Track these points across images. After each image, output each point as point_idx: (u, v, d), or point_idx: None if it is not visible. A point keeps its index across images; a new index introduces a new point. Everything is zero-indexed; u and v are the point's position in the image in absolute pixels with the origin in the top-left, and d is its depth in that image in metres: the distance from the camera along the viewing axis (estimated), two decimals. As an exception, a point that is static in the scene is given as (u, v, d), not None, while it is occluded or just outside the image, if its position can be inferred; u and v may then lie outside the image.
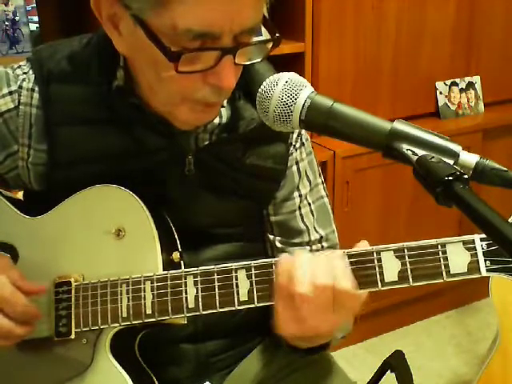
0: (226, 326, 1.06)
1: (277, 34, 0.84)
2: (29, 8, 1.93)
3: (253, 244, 1.08)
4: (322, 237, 1.08)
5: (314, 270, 0.80)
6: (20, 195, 1.07)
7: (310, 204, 1.08)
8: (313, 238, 1.08)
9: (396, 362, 1.23)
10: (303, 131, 1.06)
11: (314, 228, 1.08)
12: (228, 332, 1.08)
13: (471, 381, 2.12)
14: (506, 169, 0.66)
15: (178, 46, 0.78)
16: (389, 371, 1.24)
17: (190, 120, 0.90)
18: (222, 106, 0.98)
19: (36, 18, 1.95)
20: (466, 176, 0.61)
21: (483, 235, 0.85)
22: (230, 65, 0.81)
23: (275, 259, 0.88)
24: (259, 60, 0.87)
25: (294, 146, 1.04)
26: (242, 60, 0.84)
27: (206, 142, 0.99)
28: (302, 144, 1.06)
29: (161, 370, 1.01)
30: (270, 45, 0.86)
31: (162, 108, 0.90)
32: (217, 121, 0.98)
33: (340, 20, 2.08)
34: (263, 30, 0.86)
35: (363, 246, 0.87)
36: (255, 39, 0.84)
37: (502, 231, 0.55)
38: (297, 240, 1.07)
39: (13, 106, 0.95)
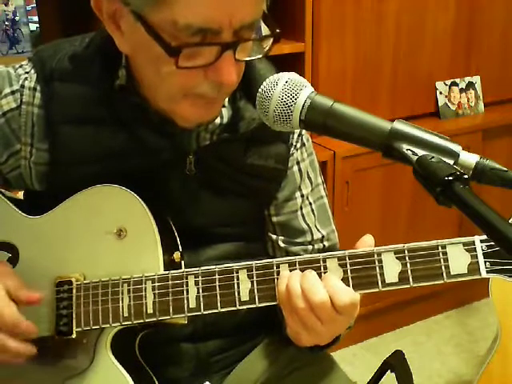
0: (225, 326, 1.06)
1: (277, 30, 0.84)
2: (29, 8, 1.92)
3: (253, 244, 1.08)
4: (323, 236, 1.09)
5: (306, 288, 0.83)
6: (20, 195, 1.07)
7: (310, 204, 1.08)
8: (315, 238, 1.08)
9: (396, 362, 1.23)
10: (304, 131, 1.06)
11: (316, 227, 1.08)
12: (228, 332, 1.08)
13: (471, 381, 2.12)
14: (506, 169, 0.66)
15: (178, 42, 0.78)
16: (389, 371, 1.24)
17: (191, 117, 0.90)
18: (223, 106, 0.98)
19: (36, 18, 1.94)
20: (466, 176, 0.61)
21: (483, 237, 0.85)
22: (230, 60, 0.81)
23: (277, 259, 0.89)
24: (260, 56, 0.87)
25: (295, 146, 1.04)
26: (243, 56, 0.84)
27: (207, 142, 0.99)
28: (303, 144, 1.06)
29: (161, 370, 1.01)
30: (270, 41, 0.85)
31: (164, 105, 0.90)
32: (218, 121, 0.98)
33: (340, 20, 2.08)
34: (263, 26, 0.86)
35: (367, 240, 0.89)
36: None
37: (502, 231, 0.56)
38: (299, 239, 1.08)
39: (15, 105, 0.95)
